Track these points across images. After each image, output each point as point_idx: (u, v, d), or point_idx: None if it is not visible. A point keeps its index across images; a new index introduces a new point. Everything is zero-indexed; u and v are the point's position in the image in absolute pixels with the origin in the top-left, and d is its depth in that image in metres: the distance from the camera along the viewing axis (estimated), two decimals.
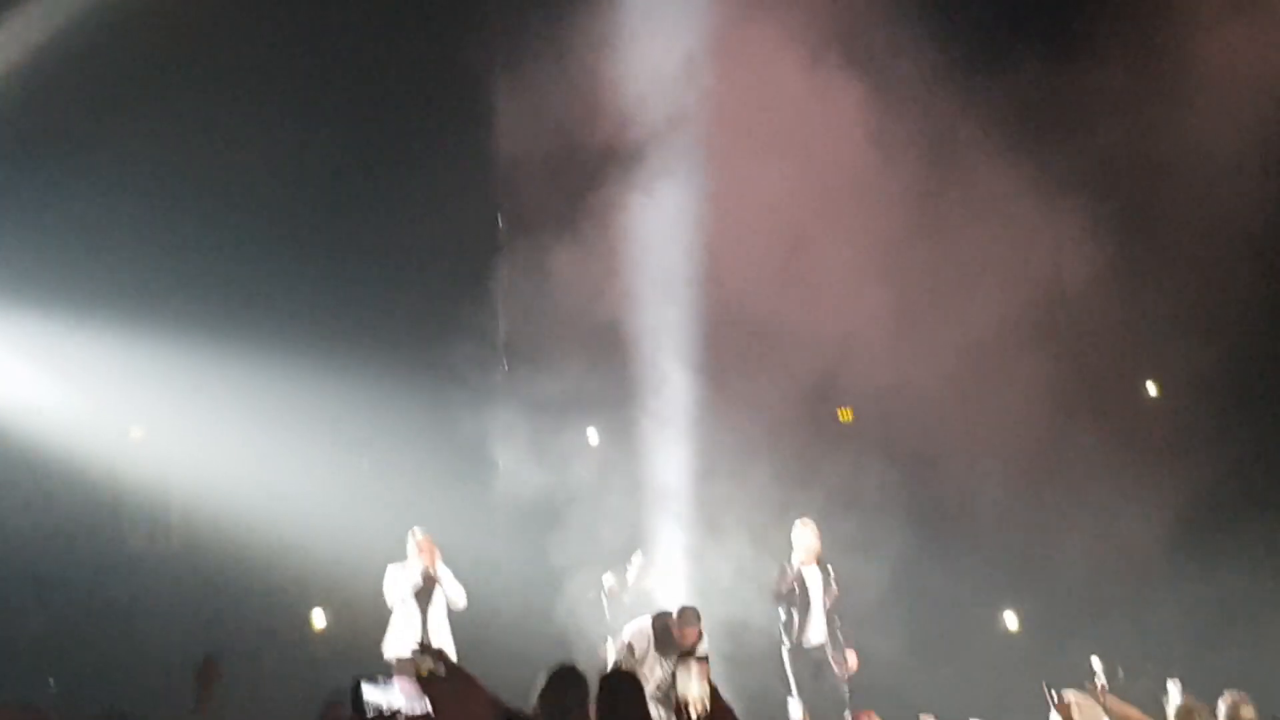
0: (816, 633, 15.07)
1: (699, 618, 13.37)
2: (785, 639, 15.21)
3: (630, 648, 13.75)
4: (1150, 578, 19.31)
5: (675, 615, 13.47)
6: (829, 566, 15.36)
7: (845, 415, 20.76)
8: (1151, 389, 21.47)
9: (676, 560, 17.88)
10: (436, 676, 3.62)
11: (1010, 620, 19.80)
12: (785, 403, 18.72)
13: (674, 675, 4.75)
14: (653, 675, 13.65)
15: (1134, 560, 19.32)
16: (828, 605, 15.10)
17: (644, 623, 13.94)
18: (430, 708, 3.63)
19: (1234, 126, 18.90)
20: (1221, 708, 12.38)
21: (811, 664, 14.99)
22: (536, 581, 16.46)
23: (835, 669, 14.91)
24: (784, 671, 15.08)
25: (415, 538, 15.88)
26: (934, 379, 18.67)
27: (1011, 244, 18.65)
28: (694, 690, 4.95)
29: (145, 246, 23.07)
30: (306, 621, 21.28)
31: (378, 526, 16.76)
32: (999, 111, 18.42)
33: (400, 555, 15.99)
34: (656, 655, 13.58)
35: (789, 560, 15.41)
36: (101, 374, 22.36)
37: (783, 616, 15.23)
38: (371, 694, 3.76)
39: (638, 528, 17.82)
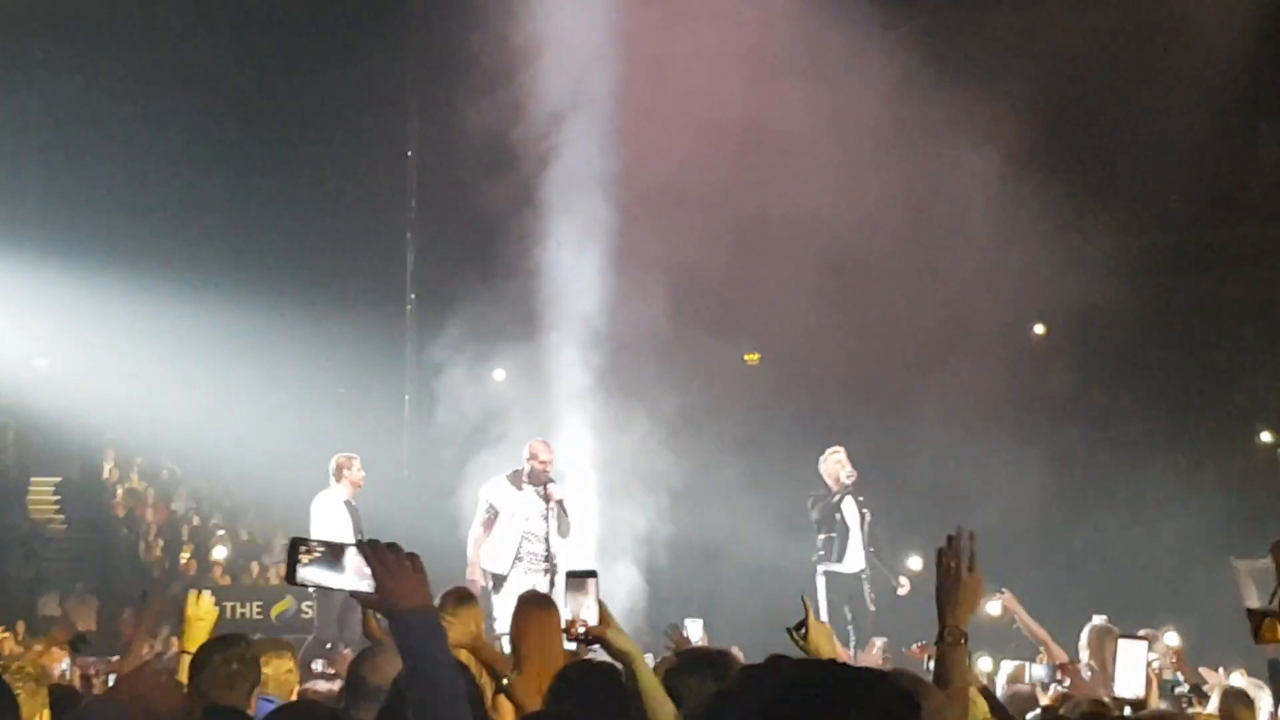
0: (855, 559, 14.99)
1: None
2: (823, 563, 15.11)
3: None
4: (1049, 520, 19.56)
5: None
6: (861, 497, 15.21)
7: (752, 358, 20.95)
8: (1039, 329, 21.71)
9: (586, 500, 17.90)
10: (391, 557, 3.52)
11: (914, 563, 19.96)
12: (692, 340, 18.79)
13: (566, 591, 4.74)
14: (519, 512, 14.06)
15: (1033, 504, 19.55)
16: (865, 534, 15.00)
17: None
18: (374, 586, 3.53)
19: (1137, 72, 19.13)
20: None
21: (846, 591, 14.91)
22: (443, 514, 16.43)
23: (868, 598, 14.83)
24: (815, 594, 14.93)
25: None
26: (840, 325, 18.81)
27: (910, 182, 18.73)
28: (585, 607, 4.89)
29: (50, 177, 22.88)
30: (208, 552, 21.22)
31: (281, 457, 16.66)
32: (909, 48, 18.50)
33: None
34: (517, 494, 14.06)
35: (822, 488, 15.27)
36: (6, 305, 22.19)
37: (821, 539, 15.14)
38: (308, 570, 3.60)
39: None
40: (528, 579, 13.82)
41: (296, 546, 3.51)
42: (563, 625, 4.94)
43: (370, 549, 3.47)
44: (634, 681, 4.70)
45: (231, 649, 5.99)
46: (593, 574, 4.87)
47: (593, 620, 4.78)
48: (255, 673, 6.04)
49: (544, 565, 13.99)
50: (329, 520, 14.34)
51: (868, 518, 15.01)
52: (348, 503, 14.43)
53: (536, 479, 14.05)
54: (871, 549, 14.99)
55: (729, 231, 17.99)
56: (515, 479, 14.18)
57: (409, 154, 20.39)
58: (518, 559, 14.02)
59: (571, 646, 6.37)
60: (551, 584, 13.69)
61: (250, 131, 22.66)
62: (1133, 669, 6.34)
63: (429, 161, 20.11)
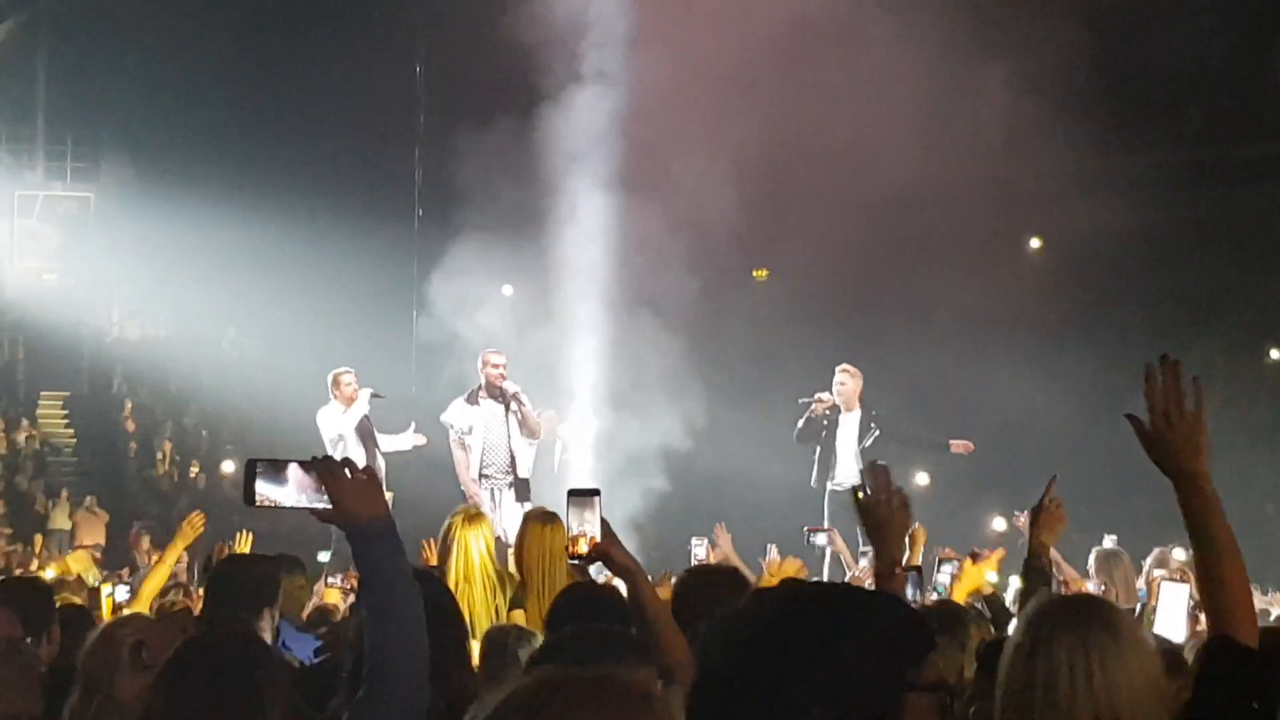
0: (846, 474, 14.96)
1: None
2: (817, 477, 15.15)
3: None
4: (1057, 438, 19.56)
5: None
6: (873, 411, 15.13)
7: (760, 274, 20.92)
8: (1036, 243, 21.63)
9: (589, 415, 17.90)
10: (342, 471, 3.51)
11: (921, 479, 19.98)
12: (703, 256, 18.75)
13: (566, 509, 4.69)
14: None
15: (1042, 421, 19.55)
16: (864, 447, 14.90)
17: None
18: (329, 503, 3.52)
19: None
20: (1148, 560, 12.55)
21: (842, 503, 14.92)
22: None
23: None
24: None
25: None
26: (849, 238, 18.74)
27: (921, 103, 18.63)
28: (588, 524, 4.83)
29: (58, 91, 22.78)
30: (216, 466, 21.26)
31: (289, 373, 16.64)
32: None
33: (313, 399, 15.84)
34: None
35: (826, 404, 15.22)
36: (16, 219, 22.18)
37: (813, 455, 15.18)
38: (266, 489, 3.61)
39: (552, 377, 17.82)
40: (494, 495, 13.83)
41: (252, 467, 3.52)
42: (565, 543, 4.90)
43: (322, 464, 3.48)
44: (636, 598, 4.66)
45: (254, 566, 5.92)
46: (596, 492, 4.84)
47: (596, 536, 4.73)
48: (272, 590, 5.91)
49: (508, 477, 13.94)
50: (328, 434, 14.38)
51: (874, 433, 14.92)
52: (353, 416, 14.41)
53: (492, 389, 14.04)
54: (881, 462, 14.86)
55: (741, 149, 17.92)
56: (471, 397, 14.09)
57: (418, 69, 20.24)
58: (483, 475, 13.95)
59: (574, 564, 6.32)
60: (517, 497, 13.71)
61: (260, 48, 22.56)
62: (1174, 611, 6.27)
63: (438, 76, 19.98)
